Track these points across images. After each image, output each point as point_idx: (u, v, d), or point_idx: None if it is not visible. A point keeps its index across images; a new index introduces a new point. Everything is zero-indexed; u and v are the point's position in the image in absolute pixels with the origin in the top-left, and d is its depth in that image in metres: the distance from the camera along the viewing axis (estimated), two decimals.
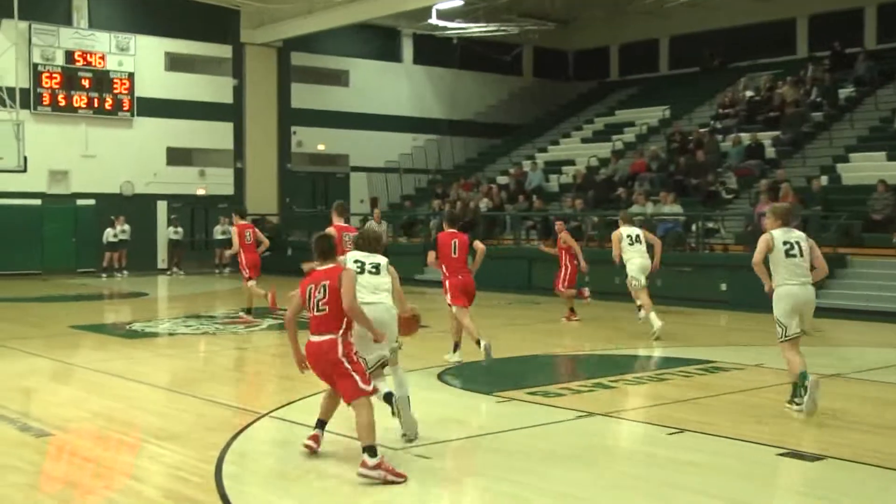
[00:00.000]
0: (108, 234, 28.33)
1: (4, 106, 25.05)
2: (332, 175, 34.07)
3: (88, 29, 29.17)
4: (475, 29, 33.37)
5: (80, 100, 28.93)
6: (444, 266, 11.63)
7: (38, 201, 28.41)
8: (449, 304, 11.60)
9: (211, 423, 8.42)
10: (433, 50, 35.31)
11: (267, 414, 8.65)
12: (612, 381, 10.43)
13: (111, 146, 29.46)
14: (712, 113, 29.54)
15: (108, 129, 29.50)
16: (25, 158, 24.90)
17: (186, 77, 31.06)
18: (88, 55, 29.06)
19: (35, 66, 28.17)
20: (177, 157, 30.94)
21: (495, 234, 26.23)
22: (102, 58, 29.27)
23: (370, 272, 7.85)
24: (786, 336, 8.85)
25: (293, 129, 32.96)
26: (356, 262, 7.85)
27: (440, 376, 10.82)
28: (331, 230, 10.93)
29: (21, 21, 26.72)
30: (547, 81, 38.51)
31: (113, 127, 29.57)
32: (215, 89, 31.57)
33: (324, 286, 6.83)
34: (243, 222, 16.37)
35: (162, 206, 30.43)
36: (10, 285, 24.42)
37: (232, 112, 31.90)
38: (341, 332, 6.79)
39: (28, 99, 27.54)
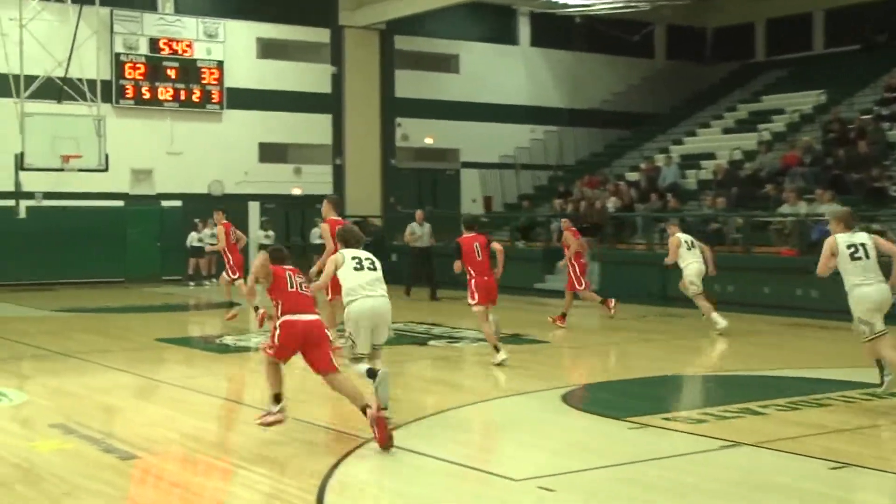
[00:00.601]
0: (193, 238, 29.02)
1: (85, 100, 25.83)
2: (441, 172, 34.26)
3: (174, 14, 29.98)
4: (600, 6, 33.09)
5: (165, 92, 29.76)
6: (469, 268, 13.36)
7: (120, 203, 29.30)
8: (470, 305, 13.30)
9: (311, 448, 8.53)
10: (553, 30, 35.19)
11: (372, 439, 8.72)
12: (761, 406, 10.19)
13: (199, 142, 30.22)
14: (877, 97, 28.65)
15: (196, 123, 30.27)
16: (107, 156, 25.67)
17: (280, 65, 31.66)
18: (174, 43, 29.89)
19: (117, 56, 29.08)
20: (270, 153, 31.56)
21: (624, 237, 25.96)
22: (189, 45, 30.06)
23: (368, 268, 9.65)
24: (874, 333, 9.81)
25: (397, 121, 33.25)
26: (354, 258, 9.66)
27: (566, 398, 10.74)
28: (325, 225, 13.45)
29: (102, 7, 27.64)
30: (682, 64, 37.97)
31: (200, 121, 30.33)
32: (312, 78, 32.10)
33: (301, 276, 9.06)
34: (227, 221, 18.39)
35: (254, 208, 31.06)
36: (91, 294, 25.25)
37: (330, 103, 32.37)
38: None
39: (109, 92, 28.42)
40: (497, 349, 13.17)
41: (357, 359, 9.61)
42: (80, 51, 25.93)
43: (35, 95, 25.09)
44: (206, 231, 28.86)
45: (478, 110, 34.08)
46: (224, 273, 18.65)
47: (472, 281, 13.29)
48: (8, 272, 27.22)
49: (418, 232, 25.28)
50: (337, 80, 32.46)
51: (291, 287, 8.89)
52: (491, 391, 11.42)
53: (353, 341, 9.60)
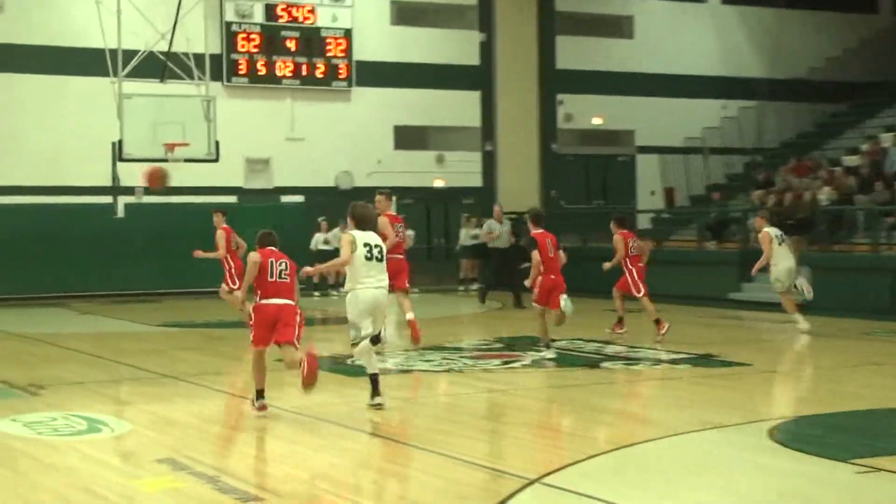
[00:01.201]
0: (318, 241, 29.48)
1: (191, 78, 26.31)
2: (612, 158, 34.04)
3: None
4: None
5: (283, 67, 30.37)
6: (541, 265, 15.94)
7: (232, 198, 29.97)
8: (533, 302, 16.29)
9: (464, 490, 8.50)
10: None
11: (536, 480, 8.63)
12: None
13: (323, 126, 30.74)
14: None
15: (320, 103, 30.80)
16: (217, 144, 26.07)
17: (419, 33, 31.97)
18: (294, 9, 30.49)
19: (228, 25, 29.84)
20: (408, 138, 31.90)
21: (841, 235, 25.28)
22: (312, 11, 30.61)
23: (377, 259, 11.77)
24: None
25: (559, 97, 33.18)
26: (365, 245, 11.73)
27: (773, 434, 10.47)
28: (383, 219, 15.85)
29: None
30: None
31: (326, 101, 30.85)
32: (457, 48, 32.29)
33: (284, 262, 11.76)
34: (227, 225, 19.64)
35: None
36: (199, 307, 25.79)
37: (478, 77, 32.51)
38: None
39: (220, 68, 29.19)
40: (548, 346, 16.23)
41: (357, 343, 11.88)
42: (185, 21, 26.34)
43: (134, 74, 25.61)
44: (334, 232, 29.22)
45: (657, 83, 33.74)
46: (223, 283, 19.64)
47: (539, 278, 16.02)
48: (104, 281, 28.13)
49: (496, 230, 25.67)
50: (486, 49, 32.57)
51: (271, 277, 11.65)
52: (679, 423, 11.22)
53: (356, 327, 11.82)
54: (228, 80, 29.74)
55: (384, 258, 11.93)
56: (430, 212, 31.98)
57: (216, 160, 26.30)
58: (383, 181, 31.12)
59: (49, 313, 24.46)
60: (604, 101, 33.40)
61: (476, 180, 32.48)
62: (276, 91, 30.39)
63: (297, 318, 11.65)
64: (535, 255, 16.01)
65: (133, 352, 17.50)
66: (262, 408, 11.90)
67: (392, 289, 14.78)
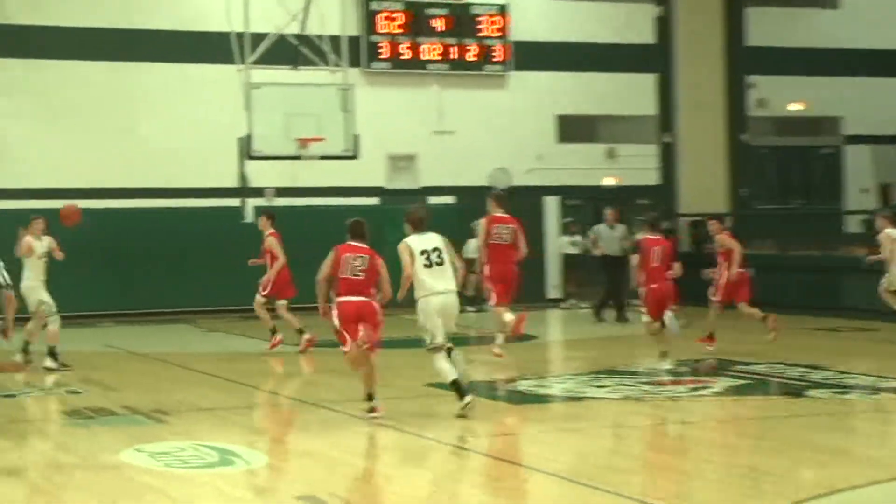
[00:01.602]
0: (470, 248, 29.58)
1: (327, 64, 26.59)
2: (814, 150, 33.51)
3: None
4: None
5: (430, 50, 30.58)
6: (643, 273, 17.55)
7: (374, 200, 30.33)
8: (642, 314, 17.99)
9: None
10: None
11: None
12: None
13: (476, 117, 30.88)
14: None
15: (472, 91, 30.94)
16: (356, 138, 26.28)
17: (586, 7, 31.96)
18: None
19: (367, 4, 30.12)
20: (573, 129, 31.87)
21: None
22: None
23: (436, 263, 13.31)
24: None
25: (750, 80, 32.76)
26: (422, 252, 13.29)
27: None
28: (482, 221, 18.94)
29: None
30: None
31: (478, 88, 30.98)
32: (629, 24, 32.18)
33: (363, 258, 13.30)
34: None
35: (551, 205, 31.51)
36: None
37: (654, 58, 32.30)
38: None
39: (358, 53, 29.49)
40: (664, 355, 17.72)
41: (436, 350, 13.44)
42: (319, 0, 26.69)
43: (264, 60, 25.91)
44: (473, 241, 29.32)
45: (868, 60, 33.11)
46: (259, 294, 20.86)
47: (643, 289, 17.71)
48: (232, 294, 28.53)
49: (605, 236, 25.84)
50: (663, 24, 32.36)
51: (343, 273, 13.22)
52: None
53: (428, 332, 13.40)
54: (368, 66, 30.04)
55: (445, 261, 13.39)
56: (599, 215, 31.76)
57: (355, 157, 26.38)
58: (544, 179, 31.23)
59: (171, 330, 25.05)
60: (803, 82, 32.87)
61: (652, 177, 32.25)
62: (422, 77, 30.61)
63: (379, 321, 13.35)
64: (633, 258, 18.17)
65: (267, 375, 17.83)
66: (373, 410, 13.18)
67: (501, 301, 18.90)
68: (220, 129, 27.95)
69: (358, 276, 13.23)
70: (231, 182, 28.87)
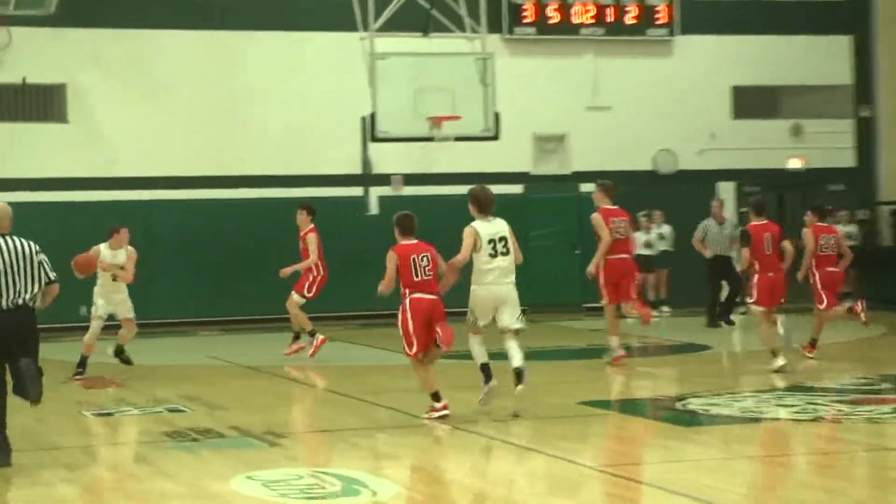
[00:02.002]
0: (638, 242, 29.41)
1: (463, 30, 26.67)
2: None
3: None
4: None
5: (583, 12, 30.62)
6: (755, 262, 18.63)
7: (517, 188, 30.50)
8: (747, 303, 19.47)
9: None
10: None
11: None
12: None
13: (637, 90, 30.95)
14: None
15: (632, 60, 30.95)
16: (497, 117, 26.34)
17: None
18: None
19: None
20: (751, 103, 31.85)
21: None
22: None
23: (502, 254, 14.83)
24: None
25: None
26: (490, 241, 14.82)
27: None
28: (596, 215, 19.72)
29: None
30: None
31: (639, 55, 30.97)
32: None
33: (427, 255, 14.71)
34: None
35: (727, 191, 31.44)
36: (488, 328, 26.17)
37: (850, 16, 32.03)
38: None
39: (498, 17, 29.68)
40: (774, 353, 18.68)
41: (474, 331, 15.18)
42: None
43: (389, 27, 26.07)
44: (656, 231, 29.18)
45: None
46: (295, 293, 21.85)
47: (756, 277, 18.84)
48: (352, 297, 28.72)
49: (714, 233, 26.15)
50: None
51: (416, 276, 14.59)
52: None
53: (474, 318, 15.10)
54: (510, 32, 30.17)
55: (509, 251, 14.91)
56: (783, 203, 31.51)
57: (495, 138, 26.50)
58: (717, 162, 31.07)
59: (283, 340, 25.31)
60: None
61: (848, 159, 31.92)
62: (574, 44, 30.67)
63: (445, 315, 14.75)
64: (746, 252, 18.87)
65: (393, 390, 17.93)
66: (444, 408, 14.80)
67: (619, 297, 19.91)
68: (339, 108, 28.30)
69: (427, 276, 14.72)
70: (352, 168, 29.20)
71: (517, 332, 15.31)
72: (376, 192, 29.56)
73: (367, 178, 29.38)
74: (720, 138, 31.22)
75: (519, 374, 14.99)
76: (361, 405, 16.80)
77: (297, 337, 21.92)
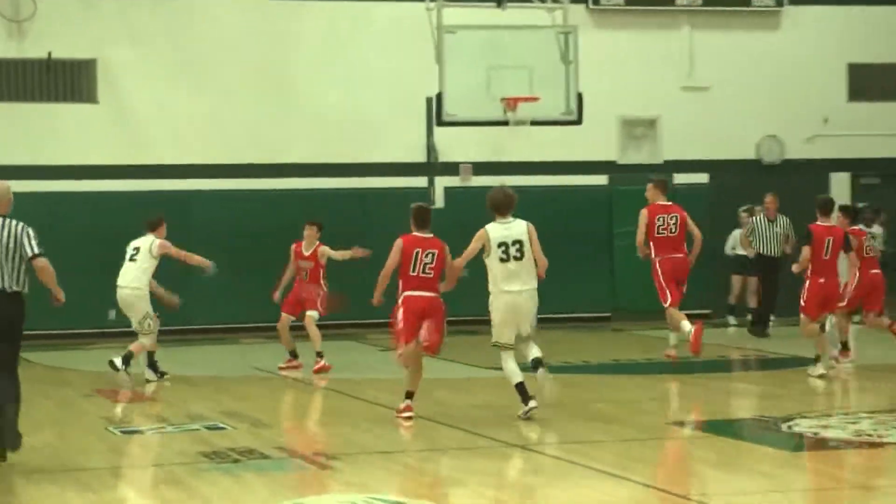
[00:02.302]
0: (735, 241, 29.27)
1: (542, 0, 26.64)
2: None
3: None
4: None
5: None
6: (810, 266, 19.77)
7: (601, 178, 30.51)
8: (801, 312, 20.05)
9: None
10: None
11: None
12: None
13: (738, 68, 30.82)
14: None
15: (733, 33, 30.81)
16: (580, 98, 26.19)
17: None
18: None
19: None
20: (870, 82, 31.70)
21: None
22: None
23: (515, 258, 15.97)
24: None
25: None
26: (500, 245, 15.98)
27: None
28: (643, 211, 21.36)
29: None
30: None
31: (742, 28, 30.83)
32: None
33: (432, 253, 16.08)
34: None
35: (841, 183, 31.36)
36: (556, 338, 26.13)
37: None
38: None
39: None
40: (817, 359, 20.00)
41: (503, 348, 16.33)
42: None
43: None
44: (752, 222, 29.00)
45: None
46: (318, 308, 22.89)
47: (807, 282, 19.96)
48: None
49: (763, 231, 26.47)
50: None
51: (413, 270, 16.11)
52: None
53: (496, 329, 16.29)
54: (595, 2, 30.09)
55: (524, 255, 16.05)
56: None
57: (578, 122, 26.19)
58: (830, 150, 30.96)
59: (336, 348, 25.25)
60: None
61: None
62: (668, 16, 30.60)
63: (443, 318, 16.36)
64: (806, 251, 19.94)
65: (459, 407, 17.94)
66: (408, 409, 16.33)
67: (675, 301, 21.41)
68: (401, 88, 28.33)
69: (427, 273, 16.24)
70: (415, 156, 29.20)
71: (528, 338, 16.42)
72: (442, 182, 29.51)
73: (432, 167, 29.33)
74: (834, 123, 31.00)
75: (536, 364, 16.28)
76: (424, 423, 16.76)
77: (319, 355, 22.36)
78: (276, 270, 28.47)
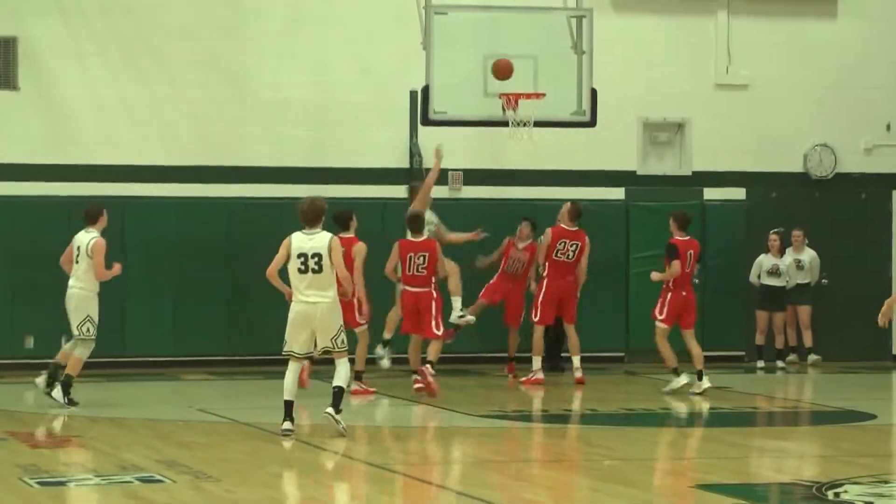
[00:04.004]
0: (762, 266, 29.41)
1: None
2: None
3: None
4: None
5: None
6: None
7: (617, 192, 30.64)
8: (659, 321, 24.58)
9: None
10: None
11: None
12: None
13: (784, 63, 31.02)
14: None
15: (778, 22, 31.04)
16: (594, 94, 26.26)
17: None
18: None
19: None
20: None
21: None
22: None
23: (313, 270, 19.03)
24: None
25: None
26: (300, 255, 18.90)
27: None
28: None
29: None
30: None
31: (789, 16, 30.91)
32: None
33: (424, 255, 24.07)
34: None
35: None
36: (553, 384, 26.28)
37: None
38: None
39: None
40: (676, 372, 24.76)
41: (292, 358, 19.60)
42: None
43: None
44: (792, 256, 29.19)
45: None
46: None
47: (669, 294, 24.79)
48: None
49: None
50: None
51: (409, 271, 23.75)
52: None
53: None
54: None
55: (323, 268, 19.01)
56: None
57: (591, 124, 26.49)
58: (893, 162, 30.94)
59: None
60: None
61: None
62: (701, 3, 30.69)
63: (434, 306, 23.65)
64: (676, 265, 24.33)
65: (446, 463, 18.06)
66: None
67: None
68: (381, 79, 28.45)
69: (420, 272, 23.75)
70: (396, 160, 29.27)
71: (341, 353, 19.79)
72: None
73: (416, 174, 29.33)
74: None
75: (288, 408, 19.62)
76: (403, 482, 16.85)
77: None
78: (225, 293, 28.60)
